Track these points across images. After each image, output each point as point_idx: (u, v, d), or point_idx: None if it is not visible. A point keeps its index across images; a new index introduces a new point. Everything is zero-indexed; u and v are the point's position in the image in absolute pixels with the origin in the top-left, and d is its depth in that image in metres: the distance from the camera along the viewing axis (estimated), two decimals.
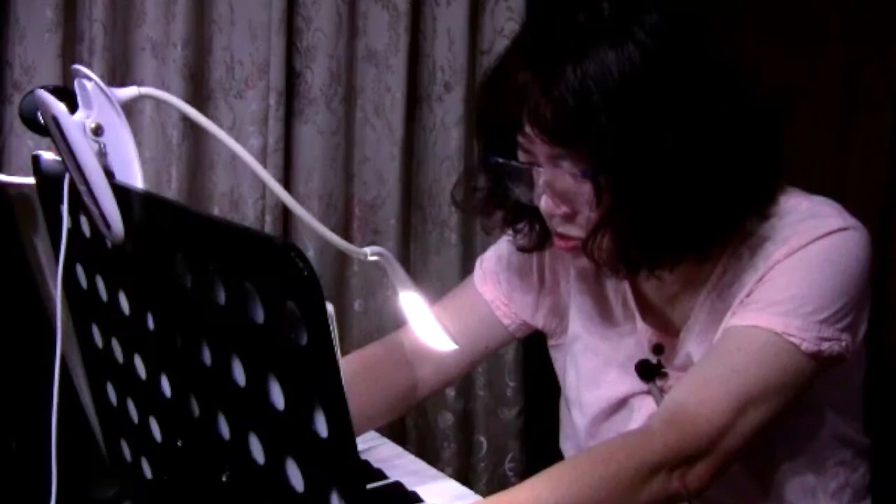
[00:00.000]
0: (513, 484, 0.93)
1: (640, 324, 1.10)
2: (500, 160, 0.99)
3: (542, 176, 0.95)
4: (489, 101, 0.99)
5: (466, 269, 1.91)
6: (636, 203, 0.91)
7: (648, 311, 1.10)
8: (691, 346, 1.05)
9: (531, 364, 2.02)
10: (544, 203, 0.96)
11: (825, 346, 0.94)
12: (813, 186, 1.03)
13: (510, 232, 1.09)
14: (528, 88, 0.91)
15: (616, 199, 0.92)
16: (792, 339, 0.93)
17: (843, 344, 0.96)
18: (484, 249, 1.25)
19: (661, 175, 0.89)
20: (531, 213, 1.03)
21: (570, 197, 0.95)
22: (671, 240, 0.94)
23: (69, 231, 0.84)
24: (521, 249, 1.10)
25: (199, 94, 1.72)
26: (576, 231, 0.97)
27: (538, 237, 1.07)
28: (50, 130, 0.76)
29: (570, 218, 0.97)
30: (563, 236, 0.99)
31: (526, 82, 0.91)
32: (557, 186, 0.95)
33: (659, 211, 0.91)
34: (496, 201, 1.06)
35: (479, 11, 1.94)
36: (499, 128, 0.98)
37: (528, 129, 0.93)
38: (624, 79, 0.87)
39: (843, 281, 0.95)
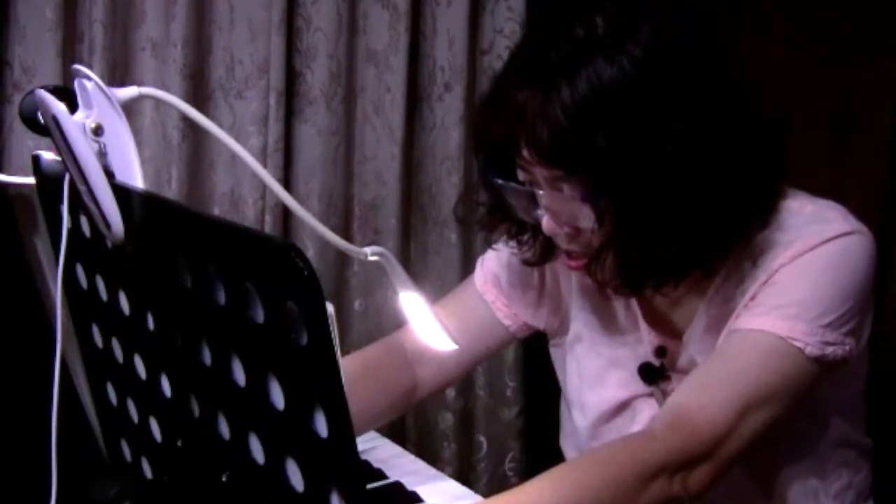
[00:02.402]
0: (513, 484, 0.93)
1: (643, 327, 1.09)
2: (500, 181, 0.98)
3: (542, 199, 0.95)
4: (487, 122, 0.97)
5: (466, 269, 1.91)
6: (639, 222, 0.90)
7: (652, 314, 1.09)
8: (695, 349, 1.04)
9: (531, 364, 2.02)
10: (546, 224, 0.96)
11: (829, 350, 0.94)
12: (812, 187, 1.02)
13: (514, 245, 1.08)
14: (525, 109, 0.89)
15: (618, 220, 0.91)
16: (796, 343, 0.93)
17: (847, 348, 0.95)
18: (484, 250, 1.25)
19: (661, 192, 0.88)
20: (534, 227, 1.03)
21: (571, 219, 0.94)
22: (675, 256, 0.93)
23: (69, 231, 0.84)
24: (526, 263, 1.09)
25: (199, 94, 1.71)
26: (583, 248, 0.97)
27: (542, 250, 1.07)
28: (50, 130, 0.76)
29: (573, 237, 0.97)
30: (570, 254, 0.99)
31: (523, 104, 0.90)
32: (558, 209, 0.94)
33: (662, 228, 0.90)
34: (498, 216, 1.05)
35: (479, 11, 1.93)
36: (497, 148, 0.97)
37: (525, 152, 0.92)
38: (620, 98, 0.86)
39: (848, 285, 0.95)
